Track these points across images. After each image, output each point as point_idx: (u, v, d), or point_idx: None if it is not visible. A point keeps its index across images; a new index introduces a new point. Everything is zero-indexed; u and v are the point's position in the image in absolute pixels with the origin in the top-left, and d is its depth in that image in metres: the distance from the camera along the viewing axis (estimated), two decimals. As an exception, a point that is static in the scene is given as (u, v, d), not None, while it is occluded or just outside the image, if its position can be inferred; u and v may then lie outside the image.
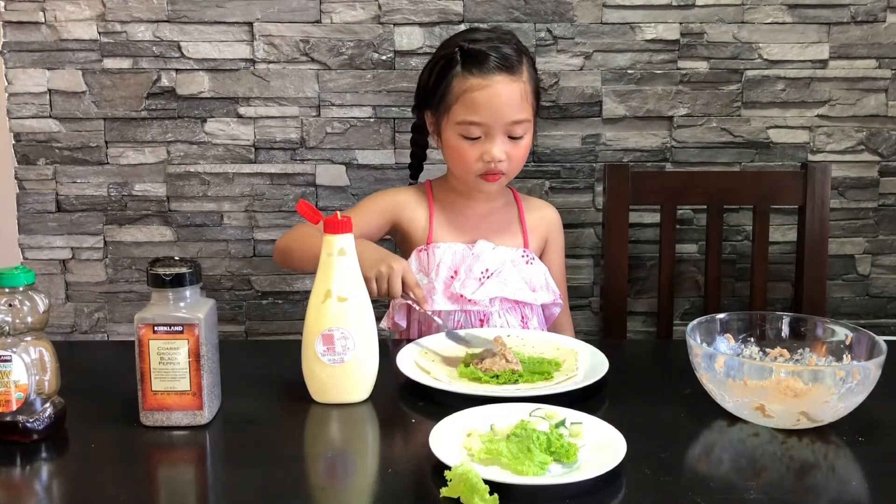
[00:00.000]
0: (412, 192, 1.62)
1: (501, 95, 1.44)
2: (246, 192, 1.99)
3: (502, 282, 1.50)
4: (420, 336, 1.50)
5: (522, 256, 1.55)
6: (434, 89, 1.50)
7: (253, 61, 1.94)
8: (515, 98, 1.46)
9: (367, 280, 1.26)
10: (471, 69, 1.46)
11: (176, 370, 1.07)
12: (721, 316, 1.25)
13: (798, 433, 1.08)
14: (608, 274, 1.78)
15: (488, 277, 1.50)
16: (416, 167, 1.70)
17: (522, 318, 1.53)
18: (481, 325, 1.50)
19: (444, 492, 0.90)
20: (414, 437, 1.08)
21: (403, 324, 1.54)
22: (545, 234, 1.63)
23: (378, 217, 1.58)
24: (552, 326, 1.61)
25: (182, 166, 1.97)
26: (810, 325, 1.24)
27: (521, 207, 1.62)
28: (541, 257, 1.61)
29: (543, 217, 1.64)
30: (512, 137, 1.47)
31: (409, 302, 1.39)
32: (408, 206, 1.58)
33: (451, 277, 1.50)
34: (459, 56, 1.47)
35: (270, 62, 1.94)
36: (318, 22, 1.93)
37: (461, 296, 1.48)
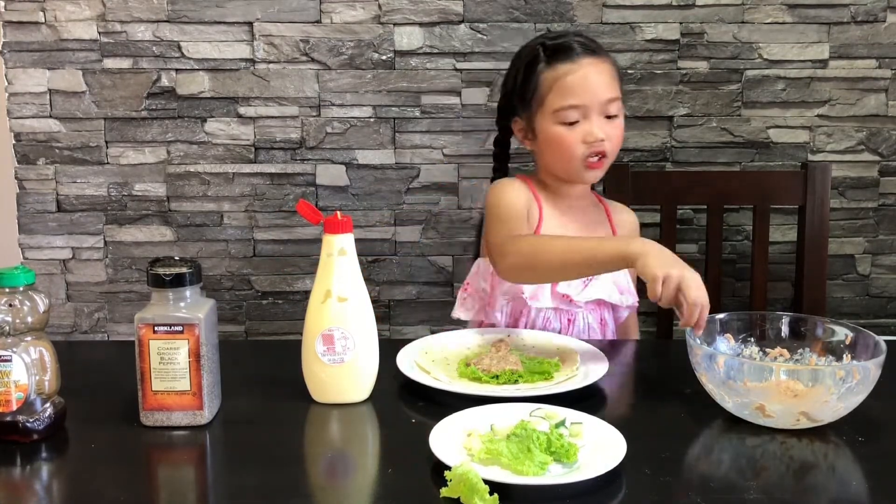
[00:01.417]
0: (519, 183, 1.57)
1: (592, 75, 1.47)
2: (246, 192, 1.99)
3: (602, 284, 1.51)
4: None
5: None
6: (523, 90, 1.51)
7: (253, 61, 1.94)
8: (606, 77, 1.48)
9: (653, 279, 1.20)
10: (557, 59, 1.48)
11: (176, 370, 1.08)
12: (721, 316, 1.25)
13: (798, 433, 1.08)
14: (608, 274, 1.78)
15: (591, 280, 1.50)
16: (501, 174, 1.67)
17: (601, 320, 1.54)
18: (569, 324, 1.50)
19: (444, 492, 0.90)
20: (414, 437, 1.07)
21: (500, 317, 1.52)
22: (628, 236, 1.61)
23: (525, 212, 1.52)
24: (621, 328, 1.61)
25: (182, 166, 1.97)
26: (810, 325, 1.24)
27: (607, 209, 1.62)
28: None
29: (626, 220, 1.63)
30: (608, 117, 1.48)
31: (678, 313, 1.22)
32: (527, 196, 1.54)
33: None
34: (543, 53, 1.49)
35: (270, 62, 1.94)
36: (318, 22, 1.93)
37: (566, 296, 1.48)
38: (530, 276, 1.41)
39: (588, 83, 1.46)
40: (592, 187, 1.64)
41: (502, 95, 1.58)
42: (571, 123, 1.47)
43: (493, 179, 1.68)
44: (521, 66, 1.52)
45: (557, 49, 1.48)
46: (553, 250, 1.36)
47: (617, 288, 1.54)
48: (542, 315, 1.51)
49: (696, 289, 1.18)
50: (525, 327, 1.49)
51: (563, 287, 1.48)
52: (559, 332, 1.48)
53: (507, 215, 1.49)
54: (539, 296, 1.48)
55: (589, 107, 1.46)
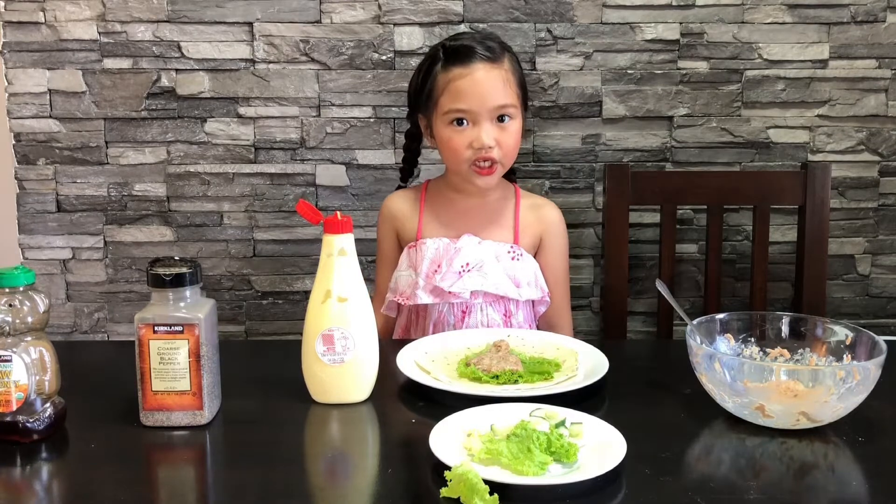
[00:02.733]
0: (402, 194, 1.67)
1: (483, 81, 1.49)
2: (246, 192, 1.99)
3: (483, 275, 1.52)
4: (409, 328, 1.57)
5: (509, 252, 1.56)
6: (421, 89, 1.55)
7: (253, 61, 1.94)
8: (498, 83, 1.50)
9: None
10: (453, 62, 1.51)
11: (176, 370, 1.08)
12: (721, 316, 1.25)
13: (798, 433, 1.08)
14: (608, 274, 1.78)
15: (468, 271, 1.52)
16: (406, 171, 1.74)
17: (506, 312, 1.55)
18: (463, 317, 1.52)
19: (444, 492, 0.90)
20: (414, 437, 1.08)
21: (393, 314, 1.61)
22: (540, 232, 1.62)
23: (391, 241, 1.65)
24: (544, 323, 1.61)
25: (182, 166, 1.97)
26: (810, 325, 1.24)
27: (518, 204, 1.62)
28: (536, 255, 1.61)
29: (541, 216, 1.63)
30: (500, 123, 1.51)
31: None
32: (399, 212, 1.64)
33: (434, 271, 1.53)
34: (442, 53, 1.53)
35: (270, 62, 1.94)
36: (318, 22, 1.93)
37: (438, 288, 1.51)
38: None
39: (478, 89, 1.49)
40: (512, 179, 1.68)
41: (409, 91, 1.62)
42: (461, 127, 1.51)
43: (401, 170, 1.74)
44: (424, 65, 1.57)
45: (455, 51, 1.52)
46: None
47: (512, 281, 1.54)
48: (437, 309, 1.54)
49: None
50: (423, 323, 1.55)
51: (438, 280, 1.52)
52: (453, 326, 1.53)
53: (378, 246, 1.68)
54: (412, 295, 1.53)
55: (478, 112, 1.49)
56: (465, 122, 1.50)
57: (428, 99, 1.54)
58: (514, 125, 1.52)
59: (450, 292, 1.51)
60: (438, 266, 1.53)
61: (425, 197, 1.63)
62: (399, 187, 1.73)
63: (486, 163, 1.51)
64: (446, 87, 1.50)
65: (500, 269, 1.53)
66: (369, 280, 1.25)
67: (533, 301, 1.58)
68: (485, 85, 1.49)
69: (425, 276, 1.53)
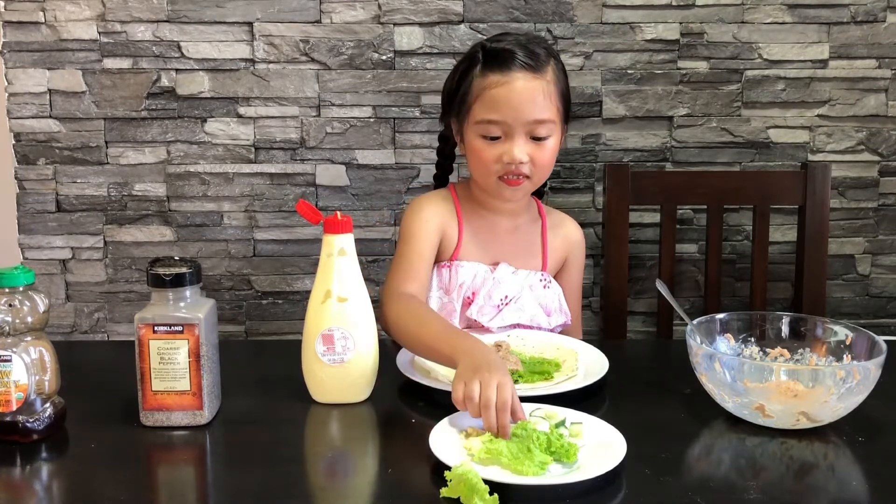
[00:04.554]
0: (441, 200, 1.53)
1: (521, 92, 1.38)
2: (246, 192, 1.99)
3: (519, 309, 1.46)
4: None
5: (540, 280, 1.51)
6: (456, 91, 1.46)
7: (253, 61, 1.94)
8: (537, 96, 1.38)
9: (454, 386, 1.09)
10: (491, 67, 1.40)
11: (176, 370, 1.08)
12: (721, 316, 1.25)
13: (798, 433, 1.08)
14: (608, 274, 1.78)
15: (506, 305, 1.45)
16: (440, 178, 1.65)
17: None
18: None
19: (444, 492, 0.90)
20: (414, 437, 1.08)
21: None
22: (566, 253, 1.58)
23: (436, 239, 1.49)
24: None
25: (182, 166, 1.97)
26: (810, 325, 1.24)
27: (544, 225, 1.56)
28: (557, 274, 1.58)
29: (566, 236, 1.58)
30: (536, 139, 1.40)
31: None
32: (441, 216, 1.50)
33: (469, 299, 1.46)
34: (482, 56, 1.43)
35: (270, 62, 1.94)
36: (318, 22, 1.93)
37: (476, 322, 1.45)
38: (396, 337, 1.33)
39: (514, 100, 1.37)
40: (538, 194, 1.61)
41: (443, 92, 1.52)
42: (493, 139, 1.40)
43: (435, 177, 1.66)
44: (461, 65, 1.46)
45: (495, 55, 1.41)
46: (414, 332, 1.28)
47: (544, 310, 1.49)
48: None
49: (489, 388, 1.05)
50: None
51: (475, 313, 1.44)
52: None
53: (411, 238, 1.46)
54: (447, 318, 1.43)
55: (512, 125, 1.38)
56: (496, 133, 1.39)
57: (461, 103, 1.43)
58: (551, 143, 1.42)
59: (486, 327, 1.44)
60: (474, 293, 1.46)
61: (460, 208, 1.51)
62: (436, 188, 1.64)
63: (515, 175, 1.41)
64: (481, 95, 1.39)
65: (533, 300, 1.48)
66: (369, 280, 1.25)
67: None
68: (522, 96, 1.37)
69: (462, 302, 1.46)
